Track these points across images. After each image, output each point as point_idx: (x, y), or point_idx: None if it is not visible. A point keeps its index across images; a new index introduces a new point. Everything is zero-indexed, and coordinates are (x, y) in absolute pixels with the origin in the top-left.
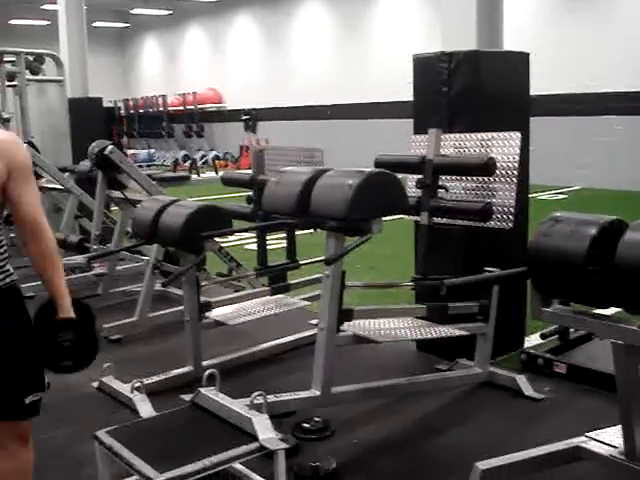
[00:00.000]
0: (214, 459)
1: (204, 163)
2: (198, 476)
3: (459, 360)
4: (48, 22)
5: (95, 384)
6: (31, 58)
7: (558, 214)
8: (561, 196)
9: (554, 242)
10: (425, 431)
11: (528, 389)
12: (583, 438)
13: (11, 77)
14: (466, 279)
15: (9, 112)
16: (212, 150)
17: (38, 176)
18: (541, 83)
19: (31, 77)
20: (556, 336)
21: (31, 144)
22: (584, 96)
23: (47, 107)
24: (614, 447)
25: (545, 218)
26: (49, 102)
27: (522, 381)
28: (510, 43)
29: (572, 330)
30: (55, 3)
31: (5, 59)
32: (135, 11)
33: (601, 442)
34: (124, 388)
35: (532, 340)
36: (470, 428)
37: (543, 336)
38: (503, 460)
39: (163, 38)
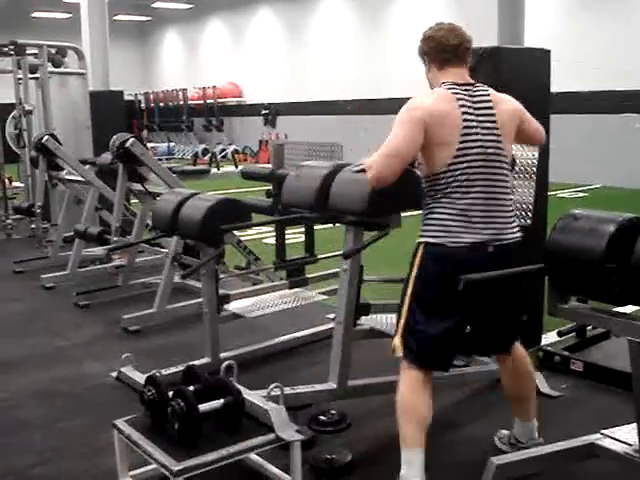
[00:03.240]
0: (231, 449)
1: (223, 157)
2: (215, 465)
3: (475, 356)
4: (70, 15)
5: (114, 374)
6: (53, 51)
7: (576, 211)
8: (581, 194)
9: (572, 239)
10: (441, 425)
11: (545, 386)
12: (598, 435)
13: (33, 69)
14: (483, 275)
15: (31, 104)
16: (231, 144)
17: (58, 168)
18: (562, 80)
19: (53, 70)
20: (573, 334)
21: (53, 136)
22: (605, 94)
23: (69, 99)
24: (629, 445)
25: (563, 215)
26: (71, 95)
27: (539, 378)
28: (531, 40)
29: (589, 328)
30: None
31: (28, 52)
32: (156, 5)
33: (616, 439)
34: (143, 378)
35: (549, 337)
36: (486, 423)
37: (560, 334)
38: (518, 456)
39: (184, 32)
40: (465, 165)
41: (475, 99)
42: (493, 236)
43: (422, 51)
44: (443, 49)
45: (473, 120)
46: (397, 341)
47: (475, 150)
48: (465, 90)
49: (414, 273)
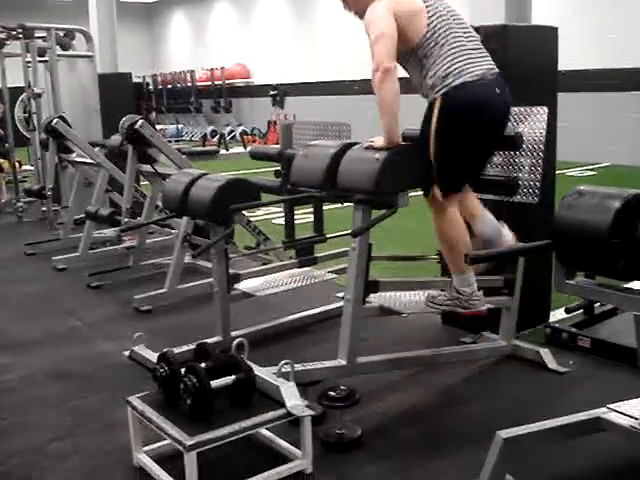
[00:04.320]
0: (243, 424)
1: (232, 138)
2: (226, 440)
3: (484, 333)
4: None
5: (126, 353)
6: (61, 34)
7: (582, 187)
8: (590, 172)
9: (578, 215)
10: (449, 401)
11: (552, 362)
12: (604, 409)
13: (42, 53)
14: (490, 252)
15: (40, 87)
16: (240, 125)
17: (68, 151)
18: (570, 58)
19: (62, 52)
20: (581, 311)
21: (62, 119)
22: (614, 72)
23: (78, 82)
24: (635, 418)
25: (569, 191)
26: (79, 77)
27: (546, 354)
28: (539, 17)
29: (597, 305)
30: None
31: (36, 35)
32: None
33: (622, 413)
34: (155, 357)
35: (557, 314)
36: (493, 399)
37: (568, 310)
38: (525, 429)
39: (191, 13)
40: (441, 19)
41: None
42: (491, 68)
43: None
44: None
45: None
46: (437, 190)
47: (440, 6)
48: None
49: (432, 125)
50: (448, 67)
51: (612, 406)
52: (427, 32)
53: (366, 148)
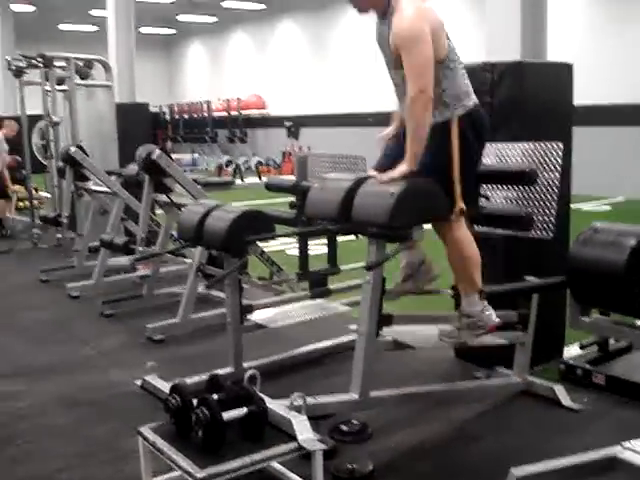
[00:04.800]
0: (254, 457)
1: (247, 168)
2: (237, 473)
3: (497, 368)
4: (97, 28)
5: (138, 382)
6: (81, 63)
7: (598, 224)
8: (605, 207)
9: (593, 252)
10: (462, 437)
11: (566, 399)
12: (619, 448)
13: (61, 81)
14: (505, 287)
15: (59, 116)
16: (255, 155)
17: (85, 179)
18: (585, 93)
19: (80, 82)
20: (595, 347)
21: (80, 147)
22: (629, 107)
23: (95, 111)
24: None
25: (585, 228)
26: (97, 106)
27: (560, 391)
28: (554, 53)
29: (612, 341)
30: (104, 9)
31: (55, 64)
32: (181, 17)
33: (638, 452)
34: (167, 387)
35: (571, 350)
36: (507, 436)
37: (582, 346)
38: (538, 467)
39: (208, 44)
40: (451, 40)
41: None
42: None
43: None
44: None
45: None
46: (459, 207)
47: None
48: None
49: (453, 145)
50: (461, 87)
51: (627, 444)
52: (448, 50)
53: (383, 181)
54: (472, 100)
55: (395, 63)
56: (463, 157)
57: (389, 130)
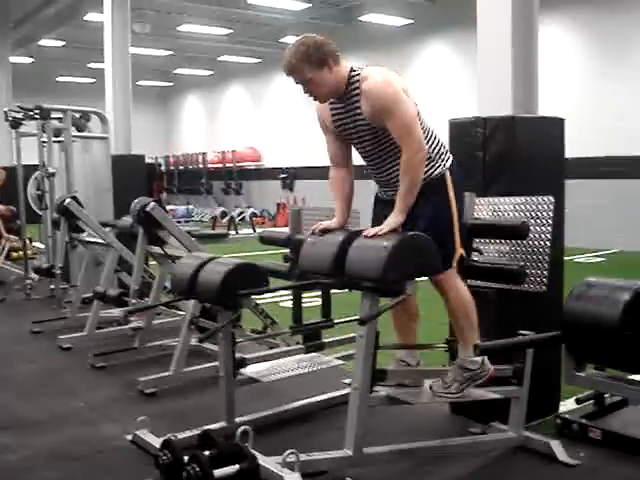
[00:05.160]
0: None
1: (242, 220)
2: None
3: (493, 424)
4: (94, 80)
5: (129, 437)
6: (77, 115)
7: (592, 279)
8: (598, 259)
9: (588, 307)
10: None
11: (562, 454)
12: None
13: (57, 133)
14: (500, 342)
15: (54, 167)
16: (250, 207)
17: (79, 230)
18: (577, 146)
19: (77, 134)
20: (591, 401)
21: (75, 199)
22: (622, 159)
23: (91, 163)
24: None
25: (579, 283)
26: (93, 158)
27: (556, 446)
28: (546, 107)
29: (608, 395)
30: (102, 62)
31: (52, 116)
32: (178, 71)
33: None
34: (158, 442)
35: (567, 405)
36: None
37: (578, 401)
38: None
39: (204, 97)
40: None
41: None
42: None
43: (323, 54)
44: (334, 48)
45: None
46: (460, 253)
47: None
48: None
49: (451, 197)
50: (439, 142)
51: None
52: (418, 112)
53: (372, 235)
54: (449, 153)
55: (372, 134)
56: (458, 206)
57: (328, 224)
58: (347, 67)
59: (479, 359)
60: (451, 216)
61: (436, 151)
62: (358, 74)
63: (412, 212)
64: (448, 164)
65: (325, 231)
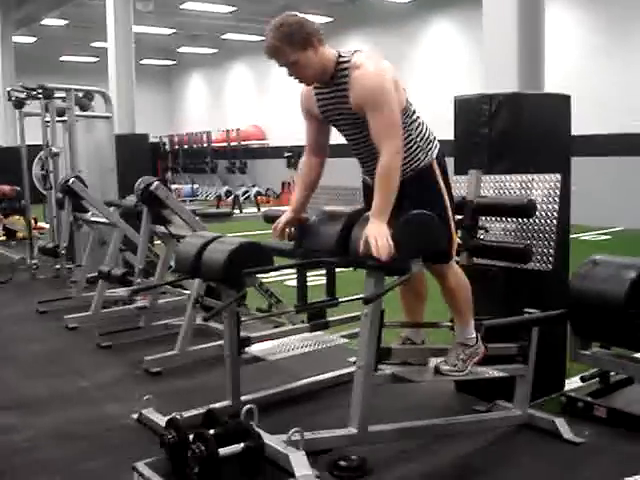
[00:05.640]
0: None
1: (246, 199)
2: None
3: (498, 401)
4: (97, 59)
5: (135, 416)
6: (80, 95)
7: (597, 257)
8: (604, 237)
9: (593, 285)
10: (462, 472)
11: (567, 432)
12: None
13: (61, 113)
14: (505, 320)
15: (58, 147)
16: (254, 186)
17: (84, 210)
18: (583, 124)
19: (80, 113)
20: (596, 379)
21: (79, 179)
22: (626, 137)
23: (95, 142)
24: None
25: (584, 261)
26: (97, 137)
27: (561, 424)
28: (552, 82)
29: (613, 373)
30: (105, 41)
31: (56, 95)
32: (182, 49)
33: None
34: (163, 421)
35: (572, 383)
36: (508, 471)
37: (583, 379)
38: None
39: (208, 75)
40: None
41: None
42: None
43: (306, 34)
44: (318, 28)
45: None
46: (456, 244)
47: None
48: None
49: (441, 187)
50: (427, 129)
51: (629, 479)
52: (407, 99)
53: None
54: (435, 138)
55: (359, 122)
56: (448, 193)
57: (287, 219)
58: (333, 51)
59: (475, 336)
60: (444, 205)
61: (425, 140)
62: (348, 60)
63: (402, 206)
64: (434, 152)
65: (291, 222)
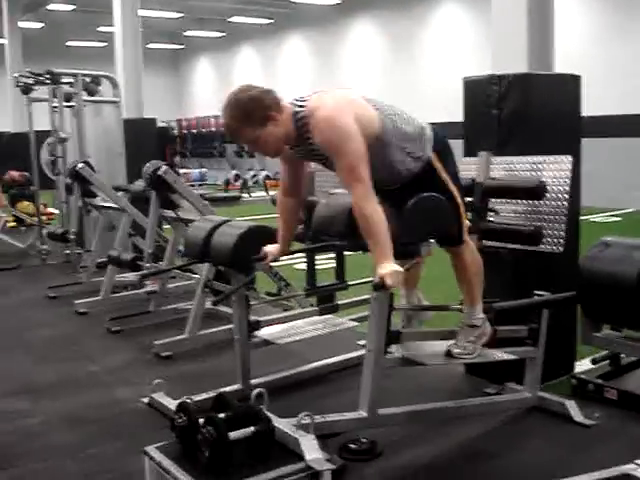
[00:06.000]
0: (261, 477)
1: (255, 182)
2: None
3: (508, 384)
4: (104, 44)
5: (145, 400)
6: (88, 79)
7: (608, 238)
8: (614, 218)
9: (604, 267)
10: (472, 455)
11: (578, 415)
12: (632, 465)
13: (68, 98)
14: (515, 303)
15: (66, 132)
16: (263, 170)
17: (93, 195)
18: (593, 104)
19: (88, 98)
20: (607, 361)
21: (87, 164)
22: (637, 117)
23: (103, 127)
24: None
25: (595, 243)
26: (105, 122)
27: (572, 406)
28: (561, 65)
29: (623, 355)
30: (111, 26)
31: (63, 80)
32: (189, 33)
33: None
34: (174, 405)
35: (583, 365)
36: (518, 453)
37: (594, 361)
38: None
39: (216, 59)
40: (379, 103)
41: None
42: None
43: (264, 109)
44: (273, 94)
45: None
46: (467, 226)
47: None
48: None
49: (444, 179)
50: (416, 130)
51: None
52: (381, 113)
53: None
54: (428, 131)
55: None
56: (454, 176)
57: (274, 256)
58: (290, 108)
59: (483, 316)
60: (452, 197)
61: (415, 146)
62: (304, 108)
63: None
64: (429, 150)
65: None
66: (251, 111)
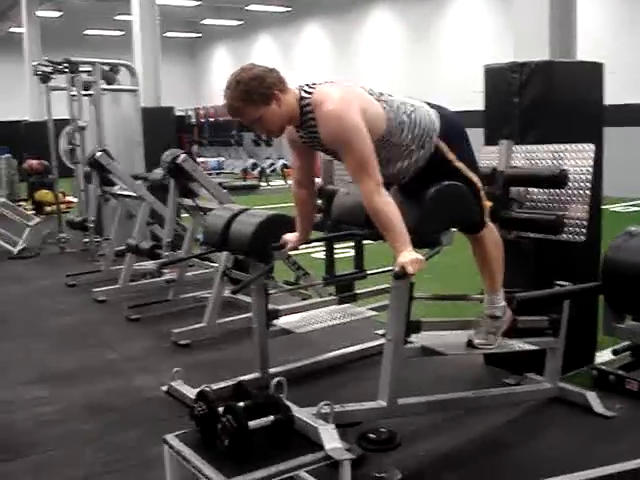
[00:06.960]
0: (280, 466)
1: (272, 171)
2: None
3: (528, 375)
4: (122, 32)
5: (164, 388)
6: (106, 68)
7: (632, 228)
8: (635, 208)
9: (629, 257)
10: (492, 446)
11: (599, 406)
12: None
13: (87, 86)
14: (537, 293)
15: (85, 120)
16: (281, 158)
17: (111, 183)
18: (616, 93)
19: (106, 86)
20: (628, 352)
21: (106, 152)
22: None
23: (121, 116)
24: None
25: (620, 232)
26: (123, 111)
27: (593, 398)
28: (583, 53)
29: None
30: (129, 14)
31: (81, 69)
32: (206, 22)
33: None
34: (192, 393)
35: (604, 356)
36: (538, 444)
37: (615, 352)
38: (570, 477)
39: (233, 48)
40: (386, 96)
41: None
42: None
43: (267, 88)
44: (276, 73)
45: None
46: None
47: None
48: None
49: (454, 163)
50: (425, 117)
51: None
52: (386, 106)
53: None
54: (436, 119)
55: (334, 154)
56: (470, 161)
57: (294, 245)
58: (296, 91)
59: (503, 304)
60: (469, 181)
61: (423, 134)
62: (309, 99)
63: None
64: (435, 136)
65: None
66: (254, 89)
